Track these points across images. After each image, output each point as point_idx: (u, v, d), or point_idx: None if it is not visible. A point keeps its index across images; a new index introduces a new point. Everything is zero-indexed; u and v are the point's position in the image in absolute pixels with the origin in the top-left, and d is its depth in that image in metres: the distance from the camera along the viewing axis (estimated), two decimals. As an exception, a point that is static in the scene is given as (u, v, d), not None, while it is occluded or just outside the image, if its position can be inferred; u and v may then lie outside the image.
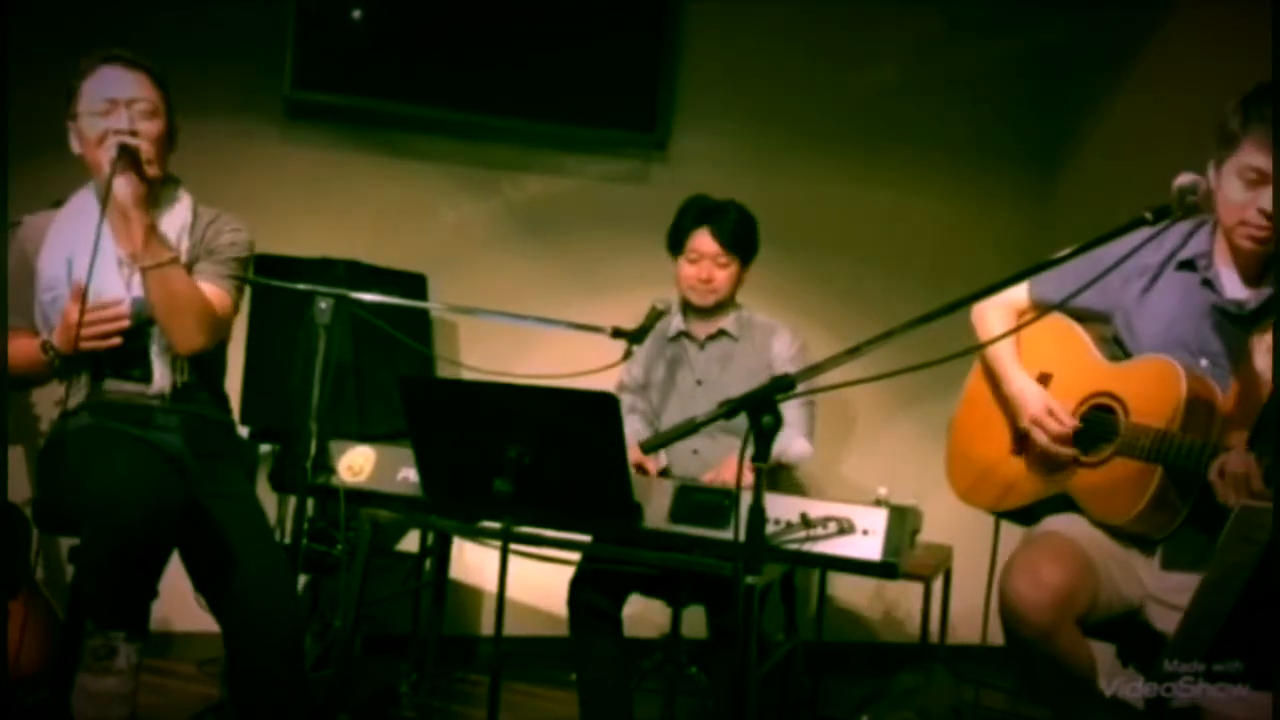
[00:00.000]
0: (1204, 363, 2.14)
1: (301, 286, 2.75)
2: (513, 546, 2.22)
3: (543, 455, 2.19)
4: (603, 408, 2.19)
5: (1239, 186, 2.07)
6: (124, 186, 2.29)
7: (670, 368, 3.13)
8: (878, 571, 2.28)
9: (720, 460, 2.98)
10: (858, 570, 2.30)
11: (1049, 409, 2.28)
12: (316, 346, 2.69)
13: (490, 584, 3.90)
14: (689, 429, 1.96)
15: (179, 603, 2.57)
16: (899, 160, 4.26)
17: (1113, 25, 4.12)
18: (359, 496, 2.64)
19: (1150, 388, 2.14)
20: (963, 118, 4.31)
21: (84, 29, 3.58)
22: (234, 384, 2.78)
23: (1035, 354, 2.40)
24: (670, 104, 4.04)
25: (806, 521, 2.28)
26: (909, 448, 4.07)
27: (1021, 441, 2.38)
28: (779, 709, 3.15)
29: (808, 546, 2.27)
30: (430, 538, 3.51)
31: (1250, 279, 2.16)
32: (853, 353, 1.83)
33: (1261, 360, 2.07)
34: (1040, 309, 2.39)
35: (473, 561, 3.85)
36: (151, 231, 2.33)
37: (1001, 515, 2.45)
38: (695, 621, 3.02)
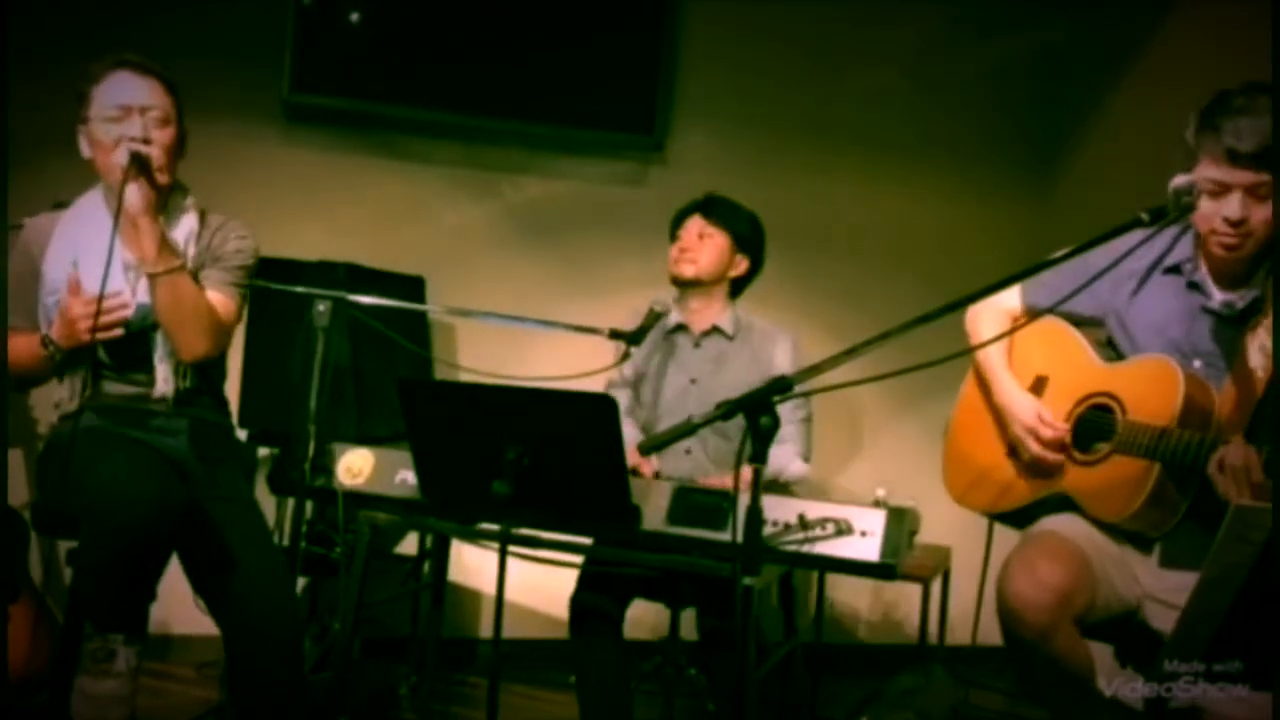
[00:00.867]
0: (1197, 364, 2.15)
1: (300, 289, 2.75)
2: (511, 549, 2.22)
3: (541, 457, 2.19)
4: (601, 409, 2.19)
5: (1204, 198, 2.08)
6: (135, 194, 2.30)
7: (664, 364, 3.11)
8: (876, 573, 2.28)
9: (712, 461, 2.98)
10: (856, 571, 2.30)
11: (1039, 416, 2.30)
12: (315, 349, 2.69)
13: (489, 586, 3.90)
14: (686, 430, 1.96)
15: (178, 605, 2.58)
16: (898, 161, 4.26)
17: (1112, 26, 4.12)
18: (357, 499, 2.64)
19: (1148, 387, 2.14)
20: (963, 118, 4.32)
21: (83, 31, 3.59)
22: (233, 386, 2.78)
23: (1031, 358, 2.41)
24: (669, 106, 4.05)
25: (804, 523, 2.28)
26: (908, 449, 4.07)
27: (1015, 445, 2.39)
28: (778, 710, 3.14)
29: (806, 548, 2.27)
30: (429, 540, 3.51)
31: (1233, 282, 2.17)
32: (850, 354, 1.83)
33: (1255, 358, 2.07)
34: (1032, 315, 2.40)
35: (471, 564, 3.85)
36: (162, 239, 2.34)
37: (997, 518, 2.45)
38: (694, 623, 3.02)
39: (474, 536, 2.54)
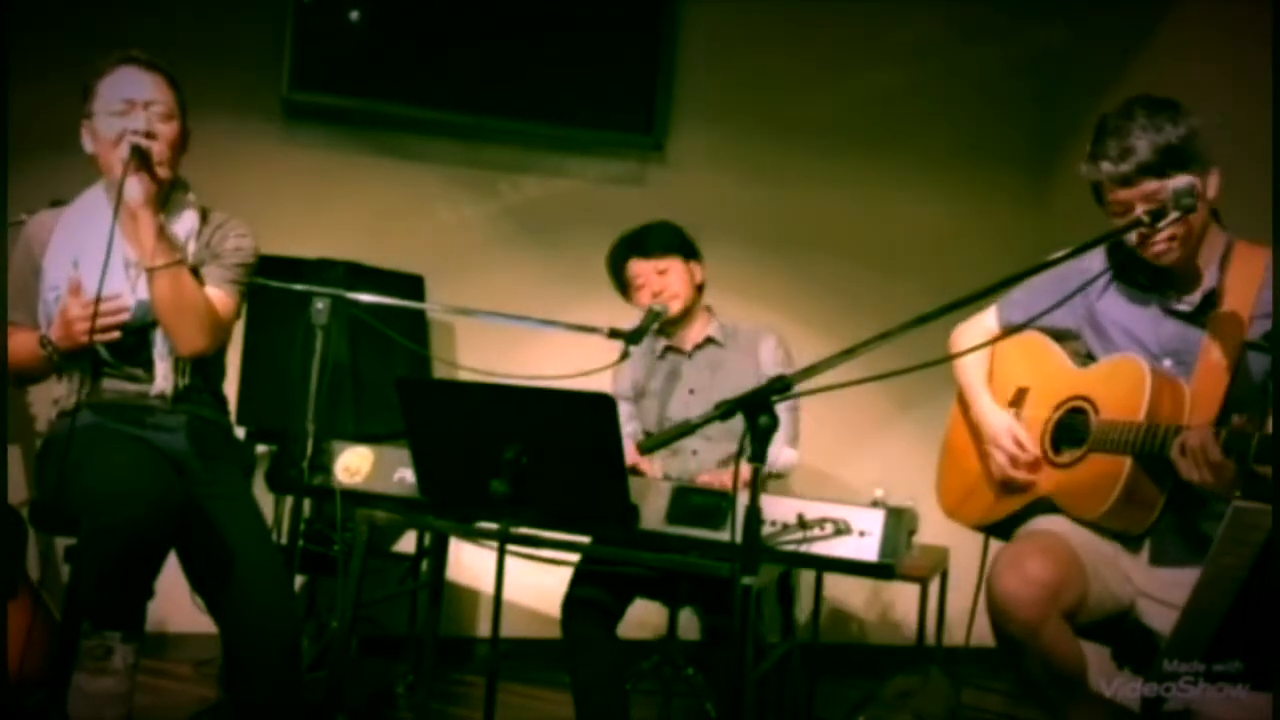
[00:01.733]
0: (1167, 363, 2.19)
1: (298, 287, 2.75)
2: (510, 548, 2.22)
3: (540, 456, 2.19)
4: (600, 408, 2.19)
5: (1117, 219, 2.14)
6: (135, 187, 2.30)
7: (661, 380, 3.13)
8: (874, 573, 2.28)
9: (719, 464, 2.99)
10: (854, 571, 2.30)
11: (1010, 433, 2.33)
12: (314, 347, 2.69)
13: (487, 585, 3.90)
14: (686, 430, 1.97)
15: (175, 604, 2.58)
16: (897, 163, 4.27)
17: (1111, 29, 4.13)
18: (356, 497, 2.64)
19: (1117, 385, 2.18)
20: (962, 120, 4.32)
21: (83, 30, 3.59)
22: (231, 384, 2.78)
23: (1011, 371, 2.45)
24: (668, 106, 4.05)
25: (803, 523, 2.28)
26: (906, 449, 4.07)
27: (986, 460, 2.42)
28: (776, 710, 3.15)
29: (804, 547, 2.28)
30: (427, 539, 3.51)
31: (1187, 279, 2.21)
32: (849, 354, 1.84)
33: (1215, 352, 2.12)
34: (1008, 331, 2.44)
35: (469, 563, 3.85)
36: (160, 233, 2.34)
37: (987, 530, 2.46)
38: (691, 623, 3.03)
39: (472, 535, 2.54)
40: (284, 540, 3.09)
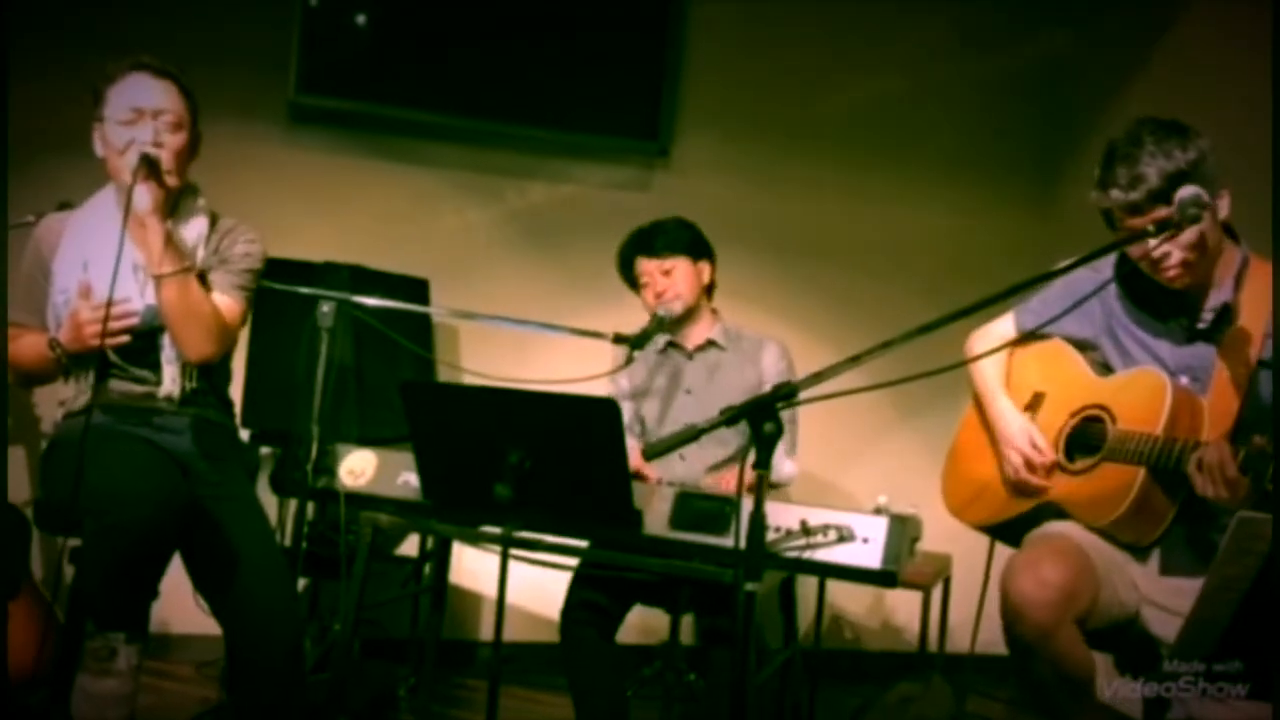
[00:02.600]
0: (1183, 379, 2.19)
1: (304, 290, 2.76)
2: (513, 552, 2.22)
3: (543, 460, 2.19)
4: (604, 413, 2.19)
5: (1135, 245, 2.14)
6: (143, 195, 2.30)
7: (660, 378, 3.13)
8: (877, 580, 2.28)
9: (705, 467, 2.99)
10: (857, 578, 2.30)
11: (1027, 436, 2.33)
12: (319, 350, 2.70)
13: (490, 589, 3.90)
14: (690, 436, 1.96)
15: (178, 605, 2.58)
16: (902, 170, 4.27)
17: (1116, 36, 4.13)
18: (359, 500, 2.64)
19: (1138, 397, 2.19)
20: (967, 128, 4.32)
21: (87, 32, 3.59)
22: (236, 387, 2.78)
23: (1028, 376, 2.45)
24: (673, 111, 4.06)
25: (806, 529, 2.28)
26: (909, 457, 4.07)
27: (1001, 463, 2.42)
28: (777, 717, 3.14)
29: (807, 554, 2.28)
30: (430, 542, 3.52)
31: (1200, 299, 2.21)
32: (854, 361, 1.84)
33: (1229, 370, 2.12)
34: (1024, 335, 2.45)
35: (472, 566, 3.85)
36: (168, 240, 2.34)
37: (993, 530, 2.46)
38: (694, 629, 3.03)
39: (475, 539, 2.55)
40: (288, 542, 3.10)
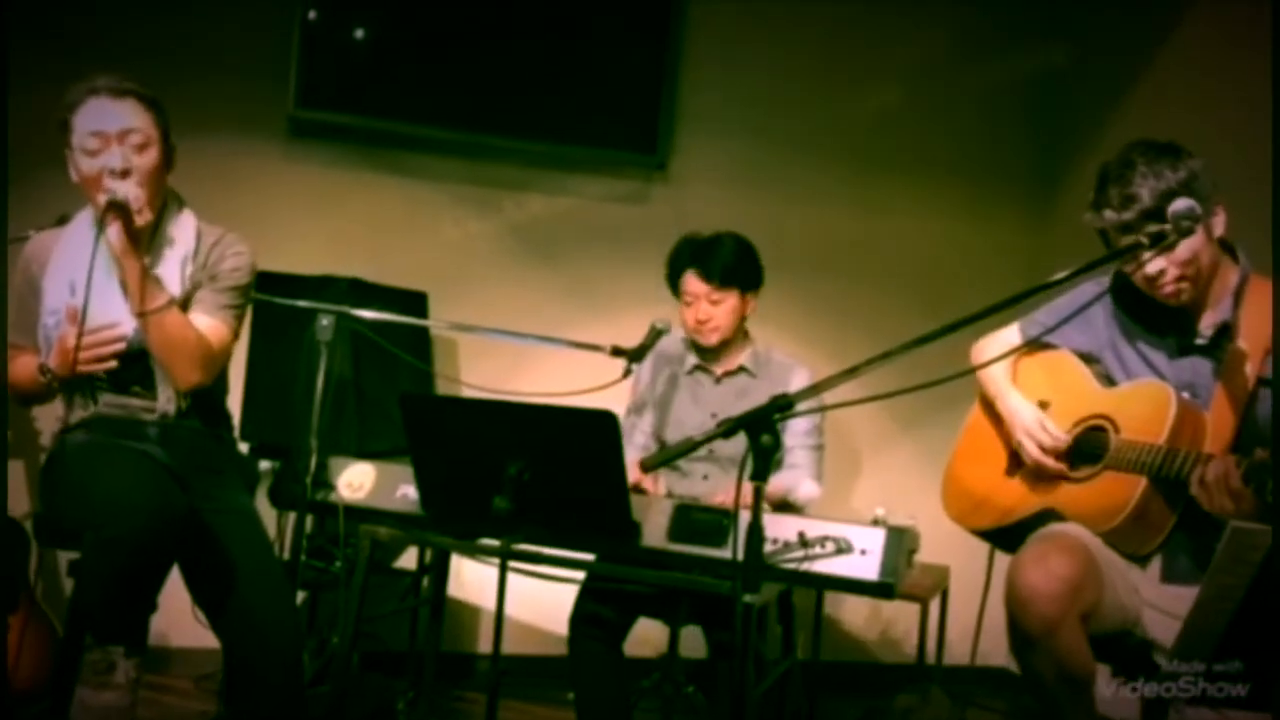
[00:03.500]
0: (1185, 395, 2.20)
1: (303, 303, 2.76)
2: (511, 564, 2.22)
3: (542, 473, 2.20)
4: (602, 426, 2.20)
5: (1132, 262, 2.15)
6: (115, 238, 2.27)
7: (684, 399, 3.13)
8: (875, 591, 2.29)
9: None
10: (855, 590, 2.31)
11: (1041, 424, 2.35)
12: (317, 363, 2.70)
13: (488, 601, 3.90)
14: (689, 448, 1.98)
15: (177, 618, 2.58)
16: (901, 182, 4.28)
17: (1114, 47, 4.15)
18: (358, 513, 2.65)
19: (1142, 408, 2.20)
20: (964, 138, 4.34)
21: (89, 45, 3.61)
22: (234, 399, 2.79)
23: (1033, 385, 2.46)
24: (671, 125, 4.07)
25: (804, 541, 2.29)
26: (907, 468, 4.08)
27: (1016, 460, 2.43)
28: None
29: (805, 566, 2.28)
30: (429, 555, 3.52)
31: (1199, 314, 2.23)
32: (851, 373, 1.85)
33: (1229, 387, 2.13)
34: (1029, 343, 2.47)
35: (471, 579, 3.85)
36: (144, 278, 2.30)
37: (992, 536, 2.47)
38: (693, 641, 3.03)
39: (474, 551, 2.55)
40: (286, 556, 3.10)
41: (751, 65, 4.19)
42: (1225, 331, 2.18)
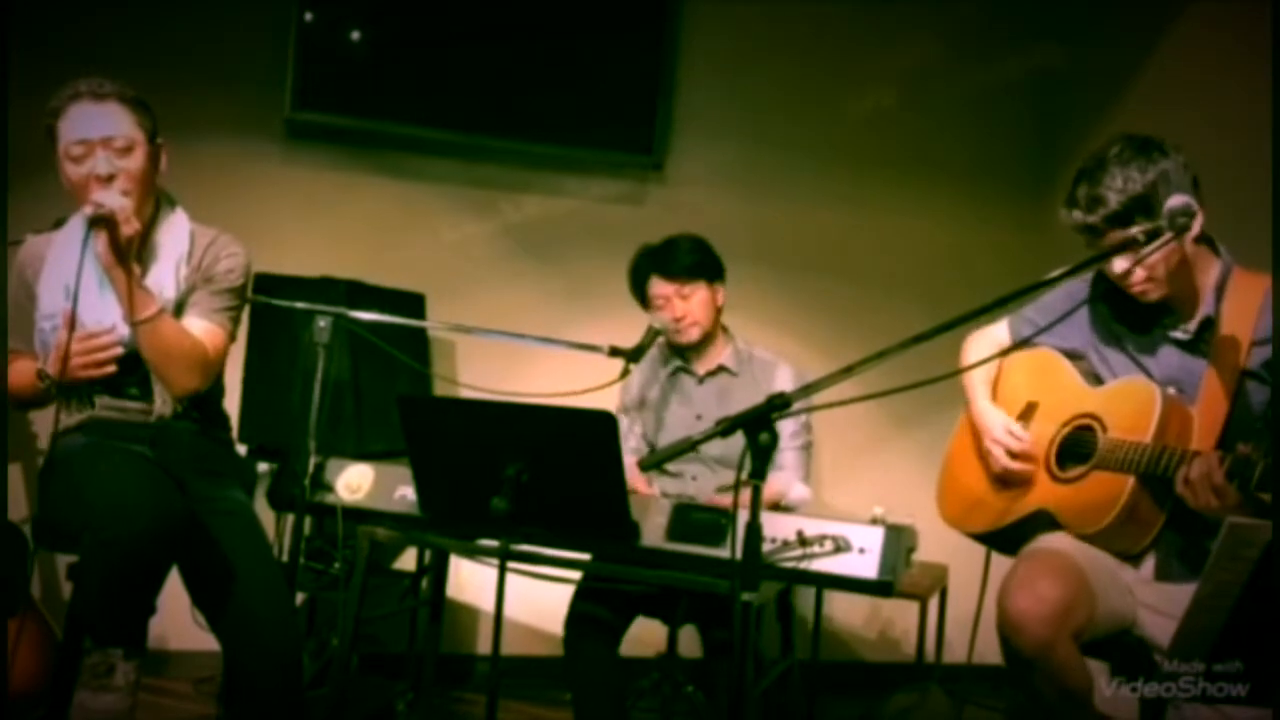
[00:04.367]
0: (1170, 391, 2.20)
1: (300, 305, 2.76)
2: (510, 565, 2.22)
3: (540, 474, 2.20)
4: (600, 426, 2.20)
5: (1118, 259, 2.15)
6: (102, 251, 2.25)
7: (669, 400, 3.14)
8: (874, 590, 2.29)
9: (715, 489, 2.99)
10: (854, 588, 2.31)
11: (1006, 428, 2.35)
12: (315, 365, 2.70)
13: (487, 603, 3.90)
14: (685, 447, 1.98)
15: (175, 621, 2.58)
16: (897, 183, 4.29)
17: (1109, 48, 4.16)
18: (357, 514, 2.65)
19: (1128, 406, 2.20)
20: (961, 141, 4.34)
21: (87, 48, 3.61)
22: (232, 401, 2.79)
23: (1021, 386, 2.47)
24: (668, 126, 4.07)
25: (803, 540, 2.29)
26: (905, 467, 4.08)
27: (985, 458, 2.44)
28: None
29: (804, 565, 2.28)
30: (428, 556, 3.52)
31: (1183, 310, 2.23)
32: (848, 372, 1.85)
33: (1215, 381, 2.13)
34: (1017, 344, 2.46)
35: (470, 580, 3.85)
36: (135, 288, 2.29)
37: (988, 539, 2.47)
38: (692, 641, 3.03)
39: (473, 552, 2.55)
40: (285, 557, 3.10)
41: (747, 66, 4.19)
42: (1209, 326, 2.18)
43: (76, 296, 2.24)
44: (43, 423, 3.33)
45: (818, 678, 3.57)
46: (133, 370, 2.42)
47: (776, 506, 2.94)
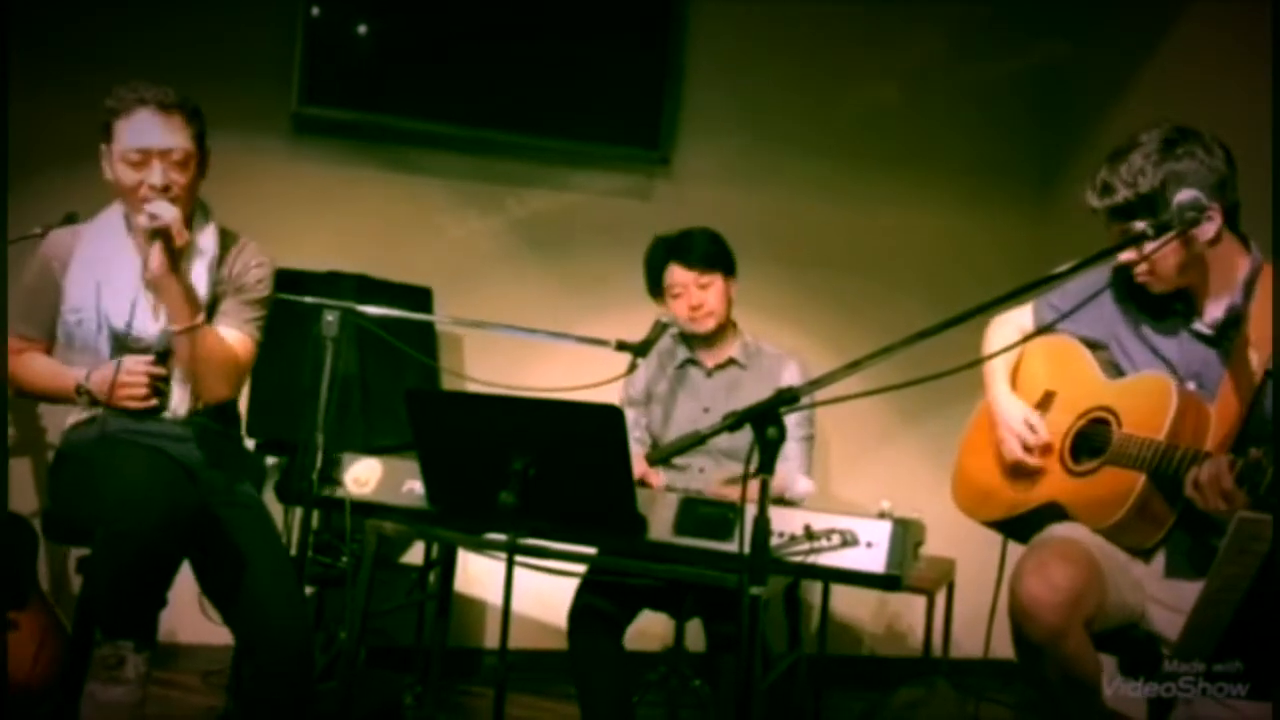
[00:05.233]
0: (1190, 385, 2.19)
1: (308, 300, 2.77)
2: (518, 559, 2.23)
3: (548, 468, 2.21)
4: (607, 420, 2.21)
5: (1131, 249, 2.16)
6: (155, 260, 2.31)
7: (677, 393, 3.13)
8: (881, 584, 2.29)
9: (721, 482, 2.99)
10: (861, 582, 2.31)
11: (1025, 420, 2.34)
12: (323, 359, 2.71)
13: (495, 596, 3.91)
14: (695, 441, 1.98)
15: (184, 614, 2.59)
16: (902, 177, 4.28)
17: (1113, 42, 4.15)
18: (365, 508, 2.66)
19: (1144, 401, 2.19)
20: (965, 135, 4.34)
21: (91, 44, 3.61)
22: (242, 396, 2.79)
23: (1040, 373, 2.45)
24: (674, 120, 4.07)
25: (810, 534, 2.29)
26: (912, 461, 4.08)
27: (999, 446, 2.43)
28: (782, 721, 3.15)
29: (811, 559, 2.29)
30: (435, 550, 3.53)
31: (1203, 303, 2.21)
32: (855, 366, 1.85)
33: (1236, 377, 2.12)
34: (1039, 329, 2.45)
35: (477, 574, 3.86)
36: (184, 298, 2.36)
37: (1001, 527, 2.47)
38: (699, 634, 3.03)
39: (481, 546, 2.56)
40: (293, 551, 3.11)
41: (753, 61, 4.19)
42: (1235, 322, 2.16)
43: (133, 314, 2.34)
44: (52, 417, 3.34)
45: (824, 671, 3.57)
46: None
47: (780, 499, 2.94)
